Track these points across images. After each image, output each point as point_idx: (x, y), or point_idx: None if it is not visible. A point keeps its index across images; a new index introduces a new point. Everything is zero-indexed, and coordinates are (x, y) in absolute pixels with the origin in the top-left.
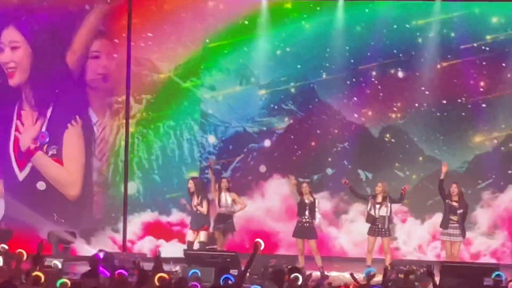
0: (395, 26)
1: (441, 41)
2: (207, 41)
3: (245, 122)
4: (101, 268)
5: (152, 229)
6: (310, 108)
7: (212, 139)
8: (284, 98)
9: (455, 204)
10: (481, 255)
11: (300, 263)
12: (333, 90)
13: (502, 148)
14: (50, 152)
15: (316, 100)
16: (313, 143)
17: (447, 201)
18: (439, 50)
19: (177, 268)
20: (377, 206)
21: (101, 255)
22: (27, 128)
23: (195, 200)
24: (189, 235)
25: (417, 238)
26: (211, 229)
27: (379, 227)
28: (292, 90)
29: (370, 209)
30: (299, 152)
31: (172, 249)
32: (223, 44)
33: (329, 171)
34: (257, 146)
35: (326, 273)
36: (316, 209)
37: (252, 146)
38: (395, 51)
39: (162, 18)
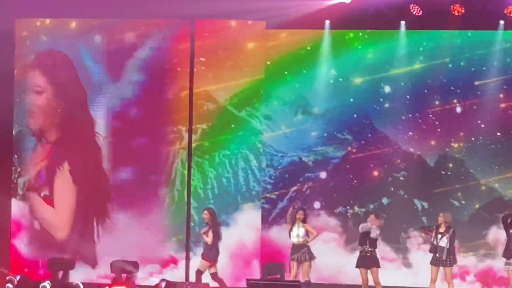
0: (454, 58)
1: (498, 70)
2: (267, 65)
3: (300, 151)
4: None
5: None
6: (366, 138)
7: (267, 167)
8: (340, 127)
9: None
10: None
11: None
12: (389, 122)
13: None
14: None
15: (372, 130)
16: (368, 173)
17: (510, 231)
18: (497, 80)
19: None
20: (439, 236)
21: (163, 285)
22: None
23: (205, 229)
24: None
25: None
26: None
27: (440, 257)
28: (349, 119)
29: (433, 239)
30: (355, 181)
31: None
32: (282, 73)
33: (385, 200)
34: (312, 176)
35: None
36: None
37: (308, 176)
38: (452, 88)
39: (217, 44)
